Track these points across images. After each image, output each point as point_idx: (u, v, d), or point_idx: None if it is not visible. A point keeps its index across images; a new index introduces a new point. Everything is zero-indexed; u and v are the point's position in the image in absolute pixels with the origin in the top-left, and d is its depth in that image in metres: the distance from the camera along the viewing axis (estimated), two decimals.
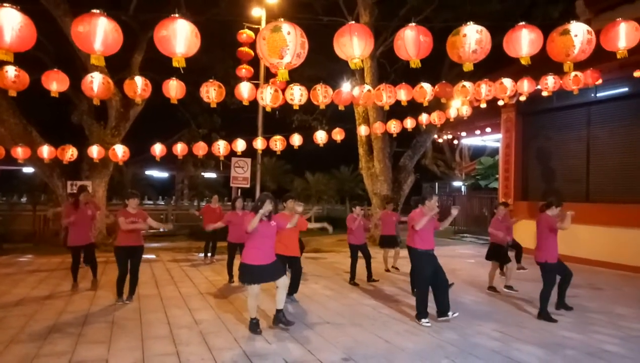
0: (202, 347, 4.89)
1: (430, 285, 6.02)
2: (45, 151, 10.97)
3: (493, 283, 8.00)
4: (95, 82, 7.05)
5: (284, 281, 5.54)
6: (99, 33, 4.74)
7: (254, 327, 5.42)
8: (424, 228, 5.94)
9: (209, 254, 11.14)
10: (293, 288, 6.87)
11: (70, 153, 11.14)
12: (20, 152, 10.83)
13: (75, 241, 7.48)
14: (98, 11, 4.76)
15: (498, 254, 7.92)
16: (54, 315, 5.97)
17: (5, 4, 4.52)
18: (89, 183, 12.27)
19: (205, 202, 11.54)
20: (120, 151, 11.34)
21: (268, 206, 5.29)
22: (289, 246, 6.45)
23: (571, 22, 5.39)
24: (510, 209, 9.30)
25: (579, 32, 5.27)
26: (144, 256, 11.10)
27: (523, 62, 5.53)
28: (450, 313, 5.94)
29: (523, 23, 5.53)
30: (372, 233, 15.28)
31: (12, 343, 4.86)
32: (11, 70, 6.63)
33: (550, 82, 8.54)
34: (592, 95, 11.60)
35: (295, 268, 6.88)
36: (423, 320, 5.88)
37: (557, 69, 7.39)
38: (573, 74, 8.16)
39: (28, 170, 17.59)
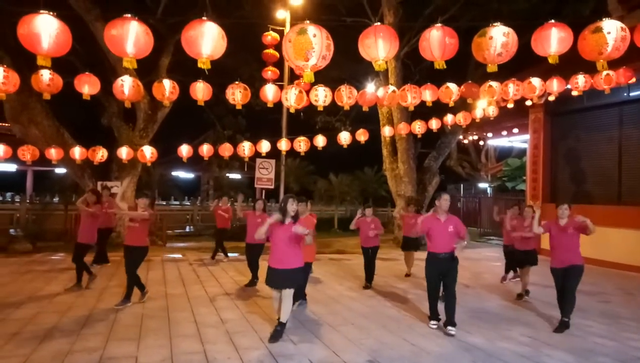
0: (229, 346, 4.95)
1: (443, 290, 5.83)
2: (77, 152, 11.32)
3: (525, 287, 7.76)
4: (126, 86, 7.23)
5: (288, 292, 5.24)
6: (131, 36, 4.86)
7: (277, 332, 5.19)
8: (432, 230, 5.72)
9: (228, 254, 11.34)
10: (300, 293, 6.52)
11: (101, 154, 11.48)
12: (53, 153, 11.20)
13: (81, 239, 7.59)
14: (129, 15, 4.88)
15: (530, 258, 7.67)
16: (86, 311, 6.14)
17: (42, 11, 4.69)
18: (117, 184, 12.56)
19: (230, 204, 11.68)
20: (148, 152, 11.60)
21: (292, 206, 5.21)
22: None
23: (603, 19, 5.25)
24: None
25: (612, 30, 5.12)
26: (170, 255, 11.52)
27: (551, 60, 5.41)
28: (450, 328, 5.52)
29: (553, 21, 5.41)
30: (397, 234, 15.22)
31: (46, 339, 5.02)
32: (46, 74, 6.88)
33: (580, 82, 8.34)
34: (625, 94, 11.26)
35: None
36: (430, 322, 5.85)
37: (588, 68, 7.21)
38: (605, 72, 7.93)
39: (60, 170, 18.16)
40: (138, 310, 6.30)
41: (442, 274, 5.72)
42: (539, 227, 6.18)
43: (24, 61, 8.87)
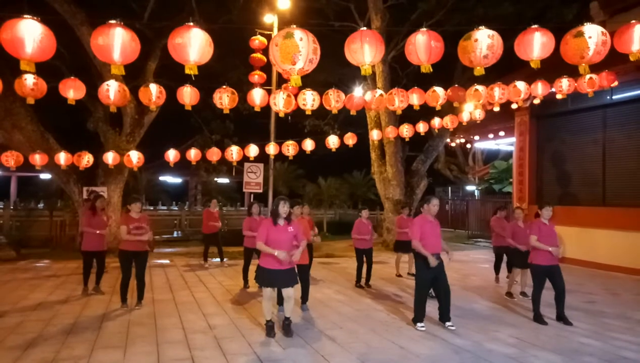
0: (217, 351, 4.91)
1: (434, 289, 6.12)
2: (62, 158, 11.17)
3: (512, 288, 7.87)
4: (112, 90, 7.17)
5: (291, 292, 5.48)
6: (117, 44, 4.84)
7: (269, 330, 5.47)
8: (426, 232, 5.86)
9: (218, 259, 11.23)
10: (303, 297, 6.81)
11: (87, 159, 11.34)
12: (37, 158, 11.03)
13: (88, 246, 7.51)
14: (115, 21, 4.85)
15: (519, 259, 7.62)
16: (71, 319, 6.05)
17: (26, 16, 4.63)
18: (103, 189, 12.44)
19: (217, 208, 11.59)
20: (135, 157, 11.50)
21: (284, 208, 5.38)
22: None
23: (585, 24, 5.35)
24: (525, 214, 8.96)
25: (593, 34, 5.22)
26: (158, 261, 11.42)
27: (533, 65, 5.50)
28: (447, 323, 5.88)
29: (536, 26, 5.50)
30: (385, 238, 15.28)
31: (30, 348, 4.93)
32: (30, 79, 6.77)
33: (564, 85, 8.46)
34: (608, 97, 11.46)
35: (303, 277, 6.63)
36: (418, 324, 5.88)
37: (572, 72, 7.33)
38: (588, 76, 8.07)
39: (45, 176, 17.95)
40: (125, 317, 6.23)
41: (436, 274, 5.86)
42: (533, 237, 6.27)
43: (7, 66, 8.75)
